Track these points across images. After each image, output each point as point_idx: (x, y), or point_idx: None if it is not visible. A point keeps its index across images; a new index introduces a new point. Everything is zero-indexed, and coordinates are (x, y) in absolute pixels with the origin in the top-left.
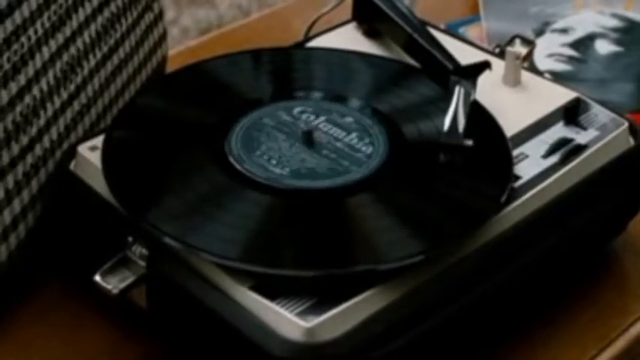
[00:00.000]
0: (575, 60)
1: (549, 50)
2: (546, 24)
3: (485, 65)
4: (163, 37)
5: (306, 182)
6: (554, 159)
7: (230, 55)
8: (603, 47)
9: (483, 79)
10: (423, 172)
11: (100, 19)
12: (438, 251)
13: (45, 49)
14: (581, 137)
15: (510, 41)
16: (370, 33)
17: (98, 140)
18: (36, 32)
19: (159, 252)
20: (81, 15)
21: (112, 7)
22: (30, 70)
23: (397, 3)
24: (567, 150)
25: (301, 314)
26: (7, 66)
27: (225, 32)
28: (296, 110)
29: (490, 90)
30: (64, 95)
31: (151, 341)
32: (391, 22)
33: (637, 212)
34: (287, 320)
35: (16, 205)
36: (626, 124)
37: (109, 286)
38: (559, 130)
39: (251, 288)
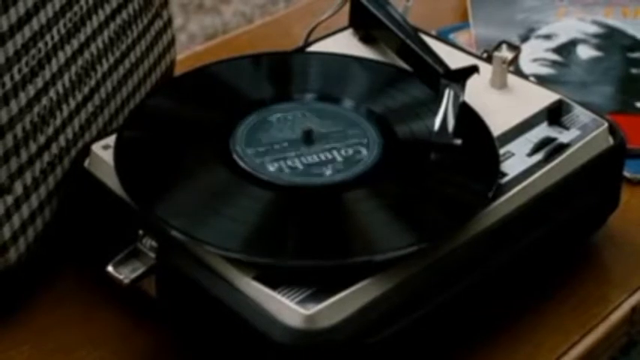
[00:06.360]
0: (558, 64)
1: (534, 55)
2: (531, 30)
3: (473, 69)
4: (172, 42)
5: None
6: (538, 157)
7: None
8: (584, 52)
9: (472, 82)
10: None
11: (112, 26)
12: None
13: (61, 54)
14: (563, 136)
15: (497, 47)
16: (366, 39)
17: (111, 139)
18: (52, 38)
19: (168, 244)
20: (95, 22)
21: (124, 15)
22: (47, 74)
23: (391, 11)
24: (551, 148)
25: (301, 302)
26: (25, 70)
27: (230, 38)
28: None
29: (478, 92)
30: (79, 97)
31: (160, 328)
32: (385, 29)
33: (616, 207)
34: (288, 308)
35: (34, 200)
36: (606, 124)
37: (121, 277)
38: (543, 130)
39: (254, 278)
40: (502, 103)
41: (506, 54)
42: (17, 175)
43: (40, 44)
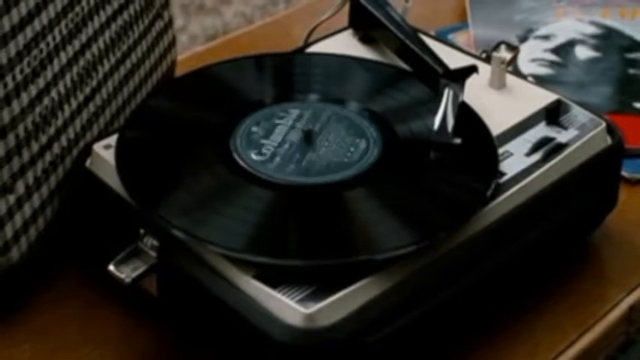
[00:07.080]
0: (556, 64)
1: (532, 55)
2: (530, 31)
3: (472, 69)
4: (173, 43)
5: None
6: (536, 157)
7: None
8: (582, 53)
9: (471, 82)
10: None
11: (114, 27)
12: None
13: (62, 55)
14: (561, 136)
15: (496, 47)
16: (365, 39)
17: (112, 139)
18: (54, 38)
19: (169, 243)
20: (96, 22)
21: (125, 16)
22: (48, 74)
23: (391, 11)
24: (549, 148)
25: (301, 301)
26: (27, 70)
27: (231, 39)
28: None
29: (477, 92)
30: (81, 97)
31: (161, 327)
32: (385, 29)
33: (614, 206)
34: (288, 307)
35: (36, 199)
36: (604, 124)
37: (122, 275)
38: (541, 130)
39: (254, 277)
40: (501, 103)
41: (504, 54)
42: (19, 174)
43: (42, 44)
